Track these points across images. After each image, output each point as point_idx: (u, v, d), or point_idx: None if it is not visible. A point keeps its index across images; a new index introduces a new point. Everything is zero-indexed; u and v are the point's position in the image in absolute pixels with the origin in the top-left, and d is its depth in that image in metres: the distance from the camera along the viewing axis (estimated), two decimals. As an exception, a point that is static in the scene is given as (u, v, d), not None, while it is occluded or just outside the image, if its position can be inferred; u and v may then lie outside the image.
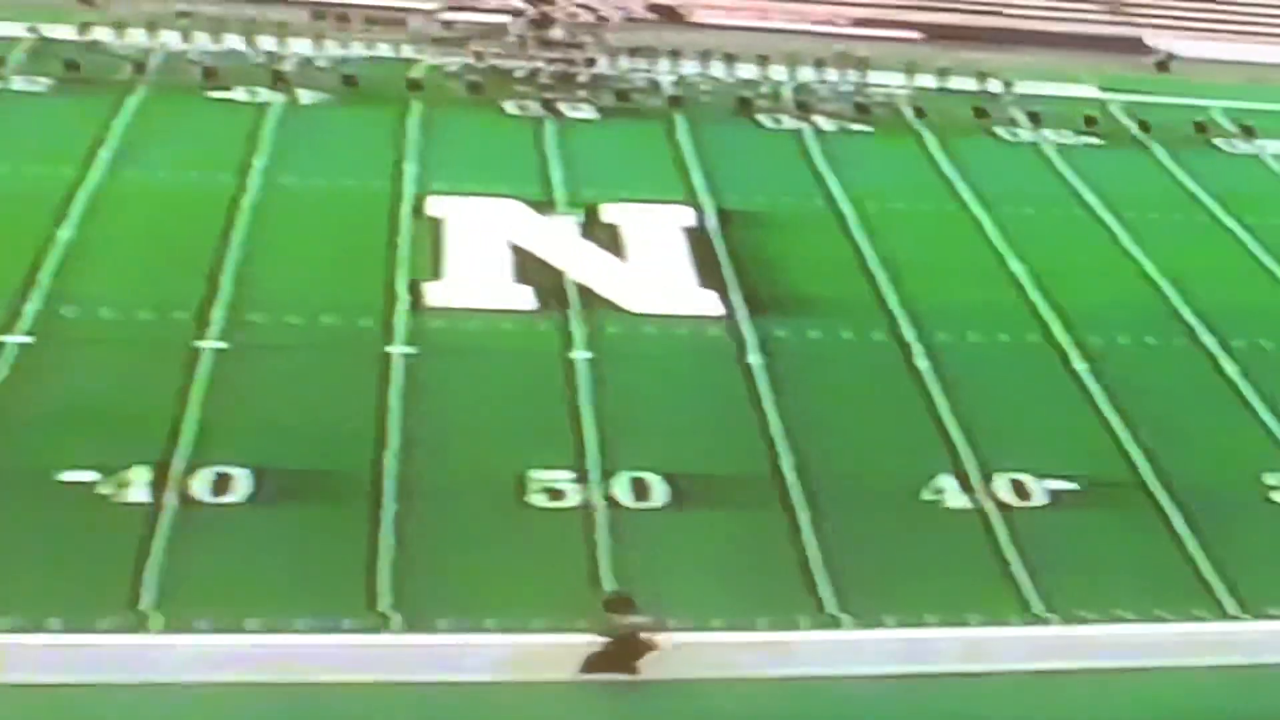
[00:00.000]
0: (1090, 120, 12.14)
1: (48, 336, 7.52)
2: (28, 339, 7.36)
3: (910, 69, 12.83)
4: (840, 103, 12.74)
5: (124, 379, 7.47)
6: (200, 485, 6.74)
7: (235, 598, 5.99)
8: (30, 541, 6.36)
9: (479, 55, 12.54)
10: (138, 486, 6.60)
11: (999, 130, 12.28)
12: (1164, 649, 6.24)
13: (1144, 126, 12.05)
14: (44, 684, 5.30)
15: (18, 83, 10.62)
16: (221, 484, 6.72)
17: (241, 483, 6.78)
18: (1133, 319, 9.17)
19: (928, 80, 12.91)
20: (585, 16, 13.04)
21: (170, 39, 11.87)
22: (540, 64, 12.64)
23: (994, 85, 13.35)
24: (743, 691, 5.73)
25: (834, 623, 6.26)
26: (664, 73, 12.68)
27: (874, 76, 13.21)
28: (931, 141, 11.68)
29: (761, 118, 11.89)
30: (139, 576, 6.12)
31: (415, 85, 11.41)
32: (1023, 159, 11.55)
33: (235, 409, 7.30)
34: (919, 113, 12.11)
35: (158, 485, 6.68)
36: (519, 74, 12.20)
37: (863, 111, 11.98)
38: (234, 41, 11.90)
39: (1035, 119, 12.23)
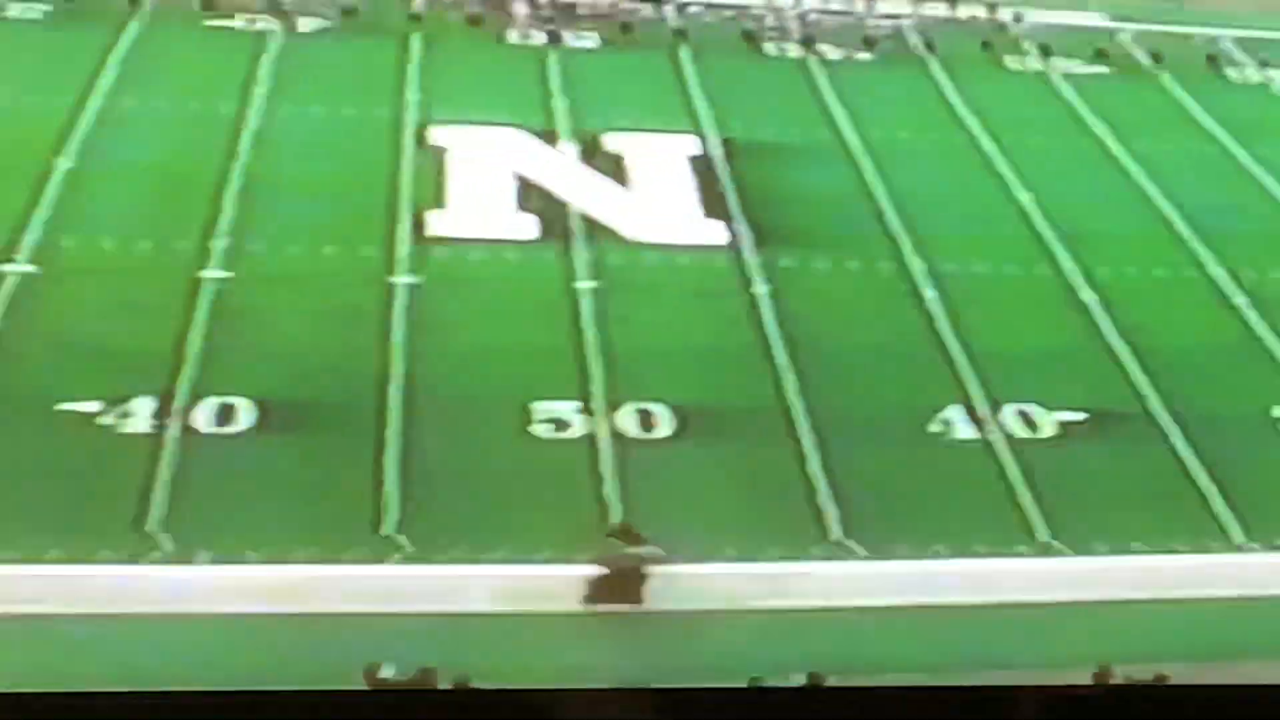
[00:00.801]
0: (1101, 51, 11.89)
1: (48, 267, 7.47)
2: (29, 268, 7.31)
3: (918, -1, 13.58)
4: (847, 33, 12.72)
5: (125, 309, 7.42)
6: (203, 415, 6.70)
7: (238, 529, 5.97)
8: (31, 472, 6.33)
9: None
10: (140, 417, 6.57)
11: (1008, 60, 12.19)
12: (1172, 580, 6.22)
13: (1155, 57, 11.92)
14: (44, 614, 5.29)
15: (14, 10, 10.47)
16: (225, 414, 6.68)
17: (245, 413, 6.74)
18: (1142, 250, 9.11)
19: (936, 10, 13.45)
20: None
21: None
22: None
23: (1004, 15, 13.33)
24: (747, 623, 5.71)
25: (840, 554, 6.23)
26: (668, 2, 12.63)
27: (881, 6, 13.26)
28: (939, 72, 11.58)
29: (767, 48, 11.83)
30: (141, 508, 6.09)
31: (415, 18, 11.09)
32: (1031, 89, 11.45)
33: (238, 339, 7.26)
34: (927, 43, 12.12)
35: (160, 416, 6.65)
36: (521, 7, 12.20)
37: (869, 42, 11.75)
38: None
39: (1045, 50, 12.43)
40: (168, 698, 3.97)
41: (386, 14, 11.59)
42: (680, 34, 11.94)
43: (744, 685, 4.67)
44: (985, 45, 12.43)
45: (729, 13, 12.66)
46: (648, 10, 12.33)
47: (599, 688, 4.60)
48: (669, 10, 12.33)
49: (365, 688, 4.88)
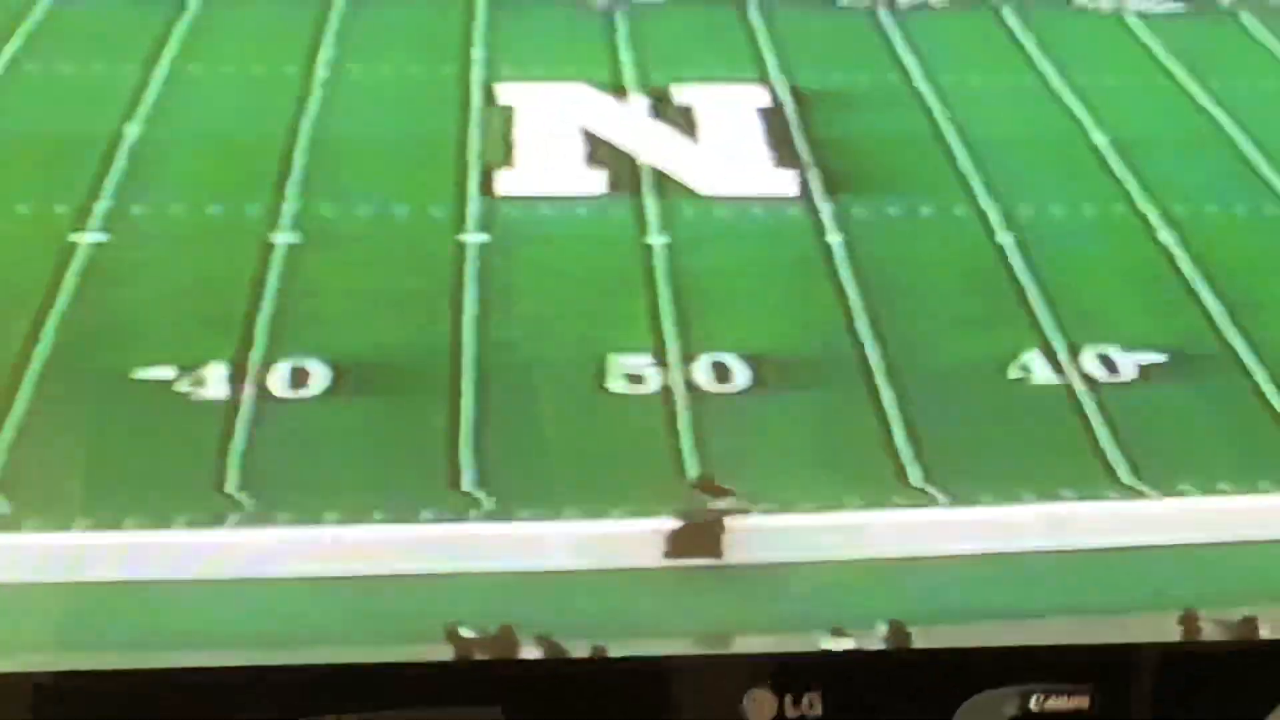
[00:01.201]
0: (1177, -13, 12.55)
1: (119, 234, 7.46)
2: (100, 237, 7.31)
3: (988, -58, 13.29)
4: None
5: (197, 275, 7.40)
6: (278, 379, 6.69)
7: (316, 491, 5.96)
8: (108, 441, 6.34)
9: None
10: (215, 382, 6.54)
11: (1079, 1, 11.97)
12: (1259, 522, 6.15)
13: (1233, -8, 12.44)
14: (124, 580, 5.31)
15: (79, -19, 11.15)
16: (299, 377, 6.66)
17: (319, 375, 6.71)
18: (1220, 188, 8.96)
19: (1006, -47, 13.18)
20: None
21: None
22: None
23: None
24: (828, 573, 5.67)
25: (920, 502, 6.18)
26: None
27: (950, -47, 13.09)
28: (1010, 16, 11.40)
29: (836, -3, 12.08)
30: (218, 473, 6.10)
31: (480, -24, 11.79)
32: (1104, 29, 11.24)
33: (310, 302, 7.23)
34: (998, -12, 12.29)
35: (235, 380, 6.63)
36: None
37: (939, -13, 12.44)
38: (297, -64, 12.35)
39: (1119, -11, 12.39)
40: (246, 671, 3.99)
41: (450, -27, 11.51)
42: (747, -16, 11.80)
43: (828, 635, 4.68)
44: (1057, -13, 12.28)
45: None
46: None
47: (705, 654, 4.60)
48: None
49: (450, 650, 4.89)
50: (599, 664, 4.03)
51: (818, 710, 3.02)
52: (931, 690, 3.28)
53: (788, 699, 3.07)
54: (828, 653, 4.04)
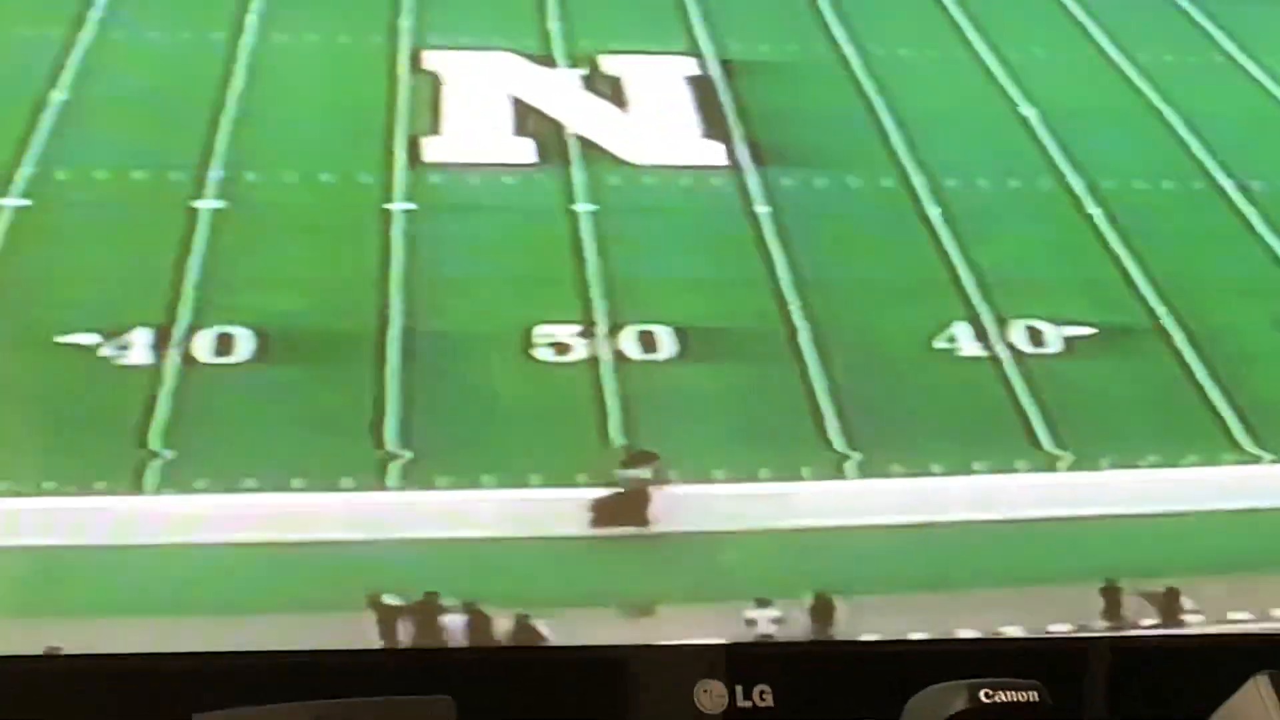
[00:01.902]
0: (1104, -40, 12.53)
1: (42, 200, 7.38)
2: (22, 202, 7.23)
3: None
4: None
5: (121, 241, 7.33)
6: (202, 346, 6.63)
7: (238, 458, 5.91)
8: (31, 406, 6.27)
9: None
10: (139, 348, 6.47)
11: (1010, -26, 11.98)
12: (1182, 494, 6.16)
13: (1157, -38, 12.42)
14: (42, 546, 5.25)
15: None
16: (224, 344, 6.61)
17: (244, 342, 6.66)
18: (1149, 163, 8.97)
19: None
20: None
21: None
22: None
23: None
24: (751, 542, 5.66)
25: (845, 473, 6.18)
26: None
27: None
28: (941, -12, 11.40)
29: (765, -33, 12.01)
30: (140, 439, 6.04)
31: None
32: (1035, 2, 11.26)
33: (235, 269, 7.15)
34: (929, -41, 12.25)
35: (160, 346, 6.57)
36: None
37: (870, -39, 12.39)
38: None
39: (1047, -38, 12.37)
40: (196, 657, 3.95)
41: (378, -59, 11.39)
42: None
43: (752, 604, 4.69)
44: (988, -39, 12.26)
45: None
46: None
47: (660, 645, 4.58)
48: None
49: (374, 618, 4.86)
50: (549, 652, 4.05)
51: (769, 702, 3.04)
52: (882, 683, 3.31)
53: (739, 690, 3.09)
54: (777, 643, 4.10)
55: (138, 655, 4.04)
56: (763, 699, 3.13)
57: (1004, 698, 2.87)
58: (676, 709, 3.11)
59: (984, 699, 2.79)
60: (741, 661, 3.30)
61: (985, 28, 9.50)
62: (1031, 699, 2.85)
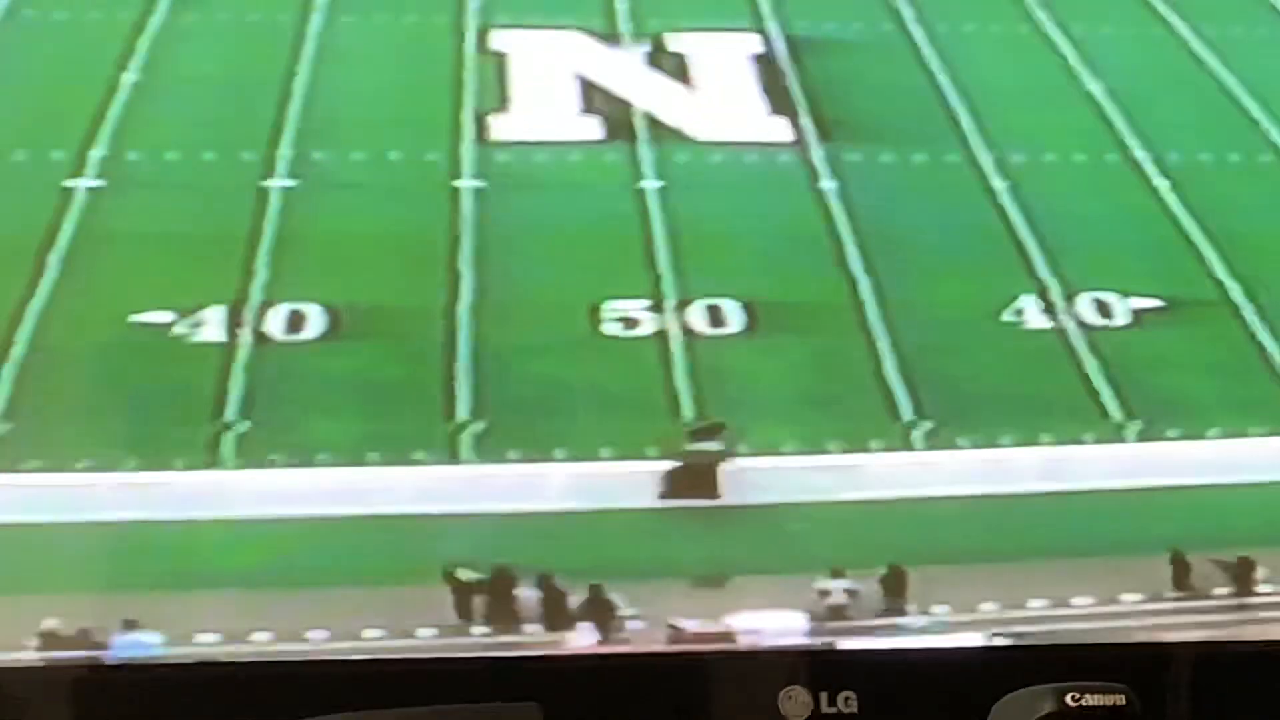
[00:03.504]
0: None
1: (115, 181, 7.46)
2: (96, 183, 7.31)
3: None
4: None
5: (193, 221, 7.41)
6: (274, 323, 6.70)
7: (310, 434, 5.99)
8: (106, 384, 6.36)
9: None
10: (212, 326, 6.56)
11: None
12: (1250, 464, 6.16)
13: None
14: (120, 520, 5.32)
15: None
16: (295, 321, 6.68)
17: (315, 320, 6.73)
18: (1215, 136, 8.96)
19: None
20: None
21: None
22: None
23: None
24: (820, 514, 5.69)
25: (913, 444, 6.19)
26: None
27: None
28: (1005, -36, 11.41)
29: (830, -55, 12.05)
30: (215, 415, 6.12)
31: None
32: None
33: (305, 247, 7.23)
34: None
35: (232, 324, 6.64)
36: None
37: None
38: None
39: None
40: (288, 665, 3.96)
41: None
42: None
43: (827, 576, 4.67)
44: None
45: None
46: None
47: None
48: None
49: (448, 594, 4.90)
50: (634, 658, 4.04)
51: (854, 708, 3.01)
52: (966, 688, 3.27)
53: (823, 696, 3.06)
54: (860, 650, 4.06)
55: (233, 664, 4.04)
56: (848, 705, 3.12)
57: (1091, 701, 2.84)
58: (761, 715, 3.11)
59: (1071, 702, 2.76)
60: (826, 668, 3.28)
61: (1050, 3, 9.41)
62: (1119, 703, 2.82)
